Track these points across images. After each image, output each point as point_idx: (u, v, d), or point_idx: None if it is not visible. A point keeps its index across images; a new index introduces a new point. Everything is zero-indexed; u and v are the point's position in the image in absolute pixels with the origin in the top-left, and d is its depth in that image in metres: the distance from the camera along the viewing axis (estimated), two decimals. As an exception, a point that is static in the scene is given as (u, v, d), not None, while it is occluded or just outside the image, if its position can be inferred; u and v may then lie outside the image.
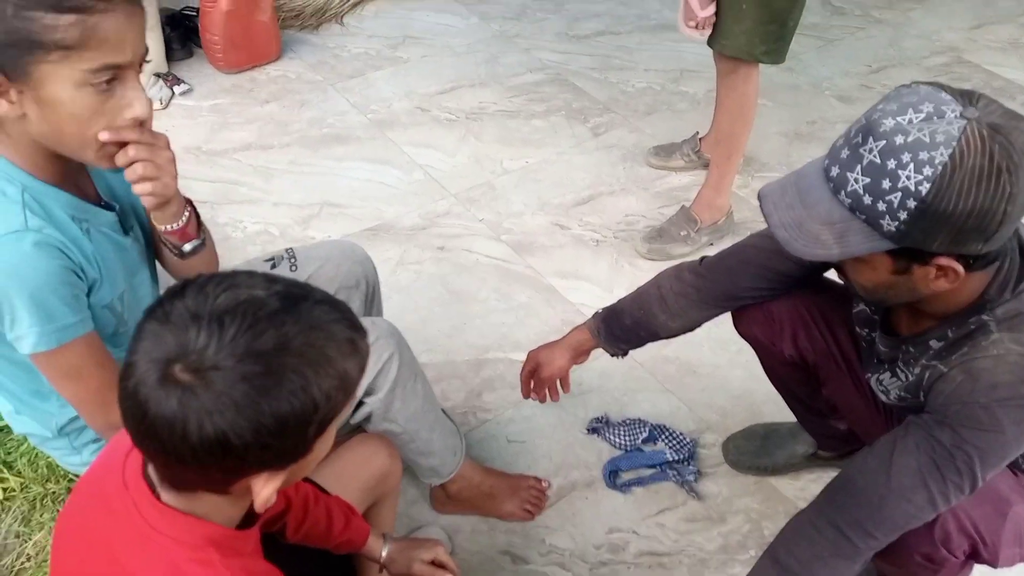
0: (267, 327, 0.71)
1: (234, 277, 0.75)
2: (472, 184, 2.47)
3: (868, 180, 0.92)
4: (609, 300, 2.10)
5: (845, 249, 0.97)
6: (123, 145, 1.03)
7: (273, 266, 1.47)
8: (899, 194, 0.90)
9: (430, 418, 1.49)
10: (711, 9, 1.87)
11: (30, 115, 0.98)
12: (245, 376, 0.69)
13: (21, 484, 1.63)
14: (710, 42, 1.97)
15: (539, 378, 1.55)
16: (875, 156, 0.91)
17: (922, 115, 0.90)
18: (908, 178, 0.89)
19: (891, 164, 0.90)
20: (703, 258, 1.43)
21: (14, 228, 0.99)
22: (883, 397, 1.22)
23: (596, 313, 1.53)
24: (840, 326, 1.37)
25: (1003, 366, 1.00)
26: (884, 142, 0.90)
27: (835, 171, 0.96)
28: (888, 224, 0.92)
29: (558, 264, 2.22)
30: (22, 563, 1.53)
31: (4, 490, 1.63)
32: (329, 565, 1.25)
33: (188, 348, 0.70)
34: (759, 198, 1.05)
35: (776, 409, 1.83)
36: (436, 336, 2.00)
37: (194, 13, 2.87)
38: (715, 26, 1.92)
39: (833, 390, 1.45)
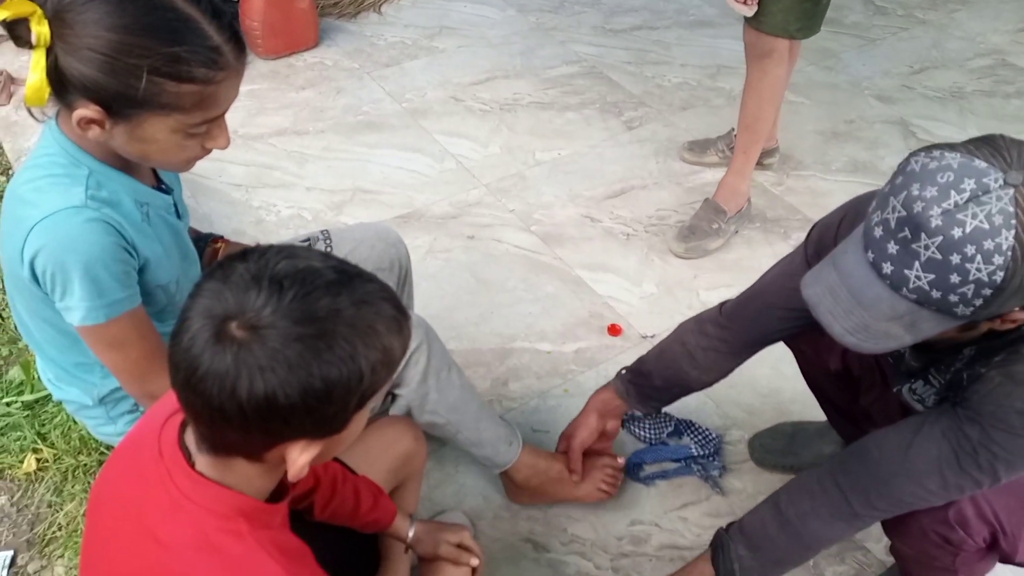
0: (322, 295, 0.73)
1: (293, 248, 0.78)
2: (503, 174, 2.47)
3: (933, 276, 0.87)
4: (637, 294, 2.11)
5: (918, 336, 0.94)
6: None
7: (309, 246, 1.48)
8: (972, 286, 0.86)
9: (472, 408, 1.49)
10: None
11: (117, 139, 1.02)
12: (299, 337, 0.71)
13: (54, 455, 1.67)
14: (749, 20, 2.00)
15: (573, 448, 1.55)
16: (934, 252, 0.86)
17: (966, 195, 0.85)
18: (979, 270, 0.84)
19: (955, 259, 0.85)
20: (722, 305, 1.41)
21: (73, 204, 1.02)
22: (918, 406, 1.20)
23: (620, 373, 1.52)
24: None
25: None
26: (941, 238, 0.85)
27: (887, 268, 0.90)
28: (963, 311, 0.89)
29: (587, 256, 2.21)
30: (53, 532, 1.56)
31: (38, 460, 1.66)
32: (355, 543, 1.26)
33: (246, 307, 0.71)
34: (809, 306, 1.00)
35: (803, 408, 1.82)
36: (463, 324, 2.01)
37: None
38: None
39: (872, 401, 1.42)
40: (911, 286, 0.89)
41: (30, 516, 1.59)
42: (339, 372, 0.73)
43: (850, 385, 1.44)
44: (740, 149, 2.22)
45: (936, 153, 0.89)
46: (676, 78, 2.93)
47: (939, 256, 0.86)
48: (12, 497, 1.62)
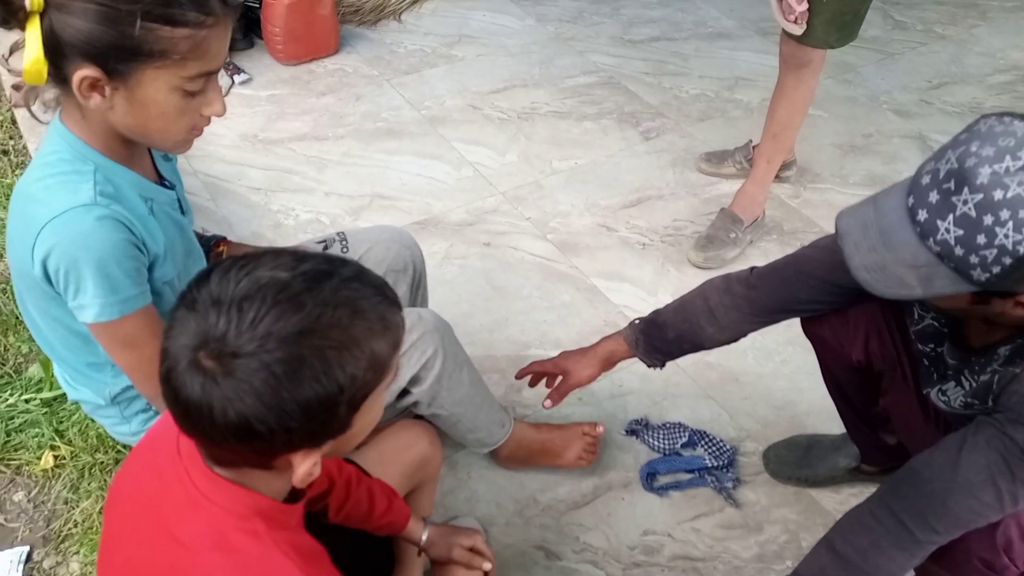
0: (288, 310, 0.71)
1: (259, 260, 0.75)
2: (520, 183, 2.48)
3: (961, 232, 0.89)
4: (652, 304, 2.10)
5: (929, 291, 0.95)
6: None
7: (326, 248, 1.50)
8: (994, 251, 0.87)
9: (477, 400, 1.53)
10: (805, 4, 1.92)
11: (117, 109, 1.03)
12: (265, 363, 0.69)
13: (71, 453, 1.68)
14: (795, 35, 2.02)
15: (565, 384, 1.55)
16: (970, 209, 0.87)
17: (1020, 162, 0.86)
18: (1006, 236, 0.86)
19: (988, 220, 0.86)
20: (753, 268, 1.41)
21: (83, 202, 1.03)
22: (944, 407, 1.19)
23: (633, 323, 1.51)
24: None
25: None
26: (981, 195, 0.87)
27: (923, 215, 0.92)
28: (978, 275, 0.90)
29: (602, 265, 2.22)
30: (69, 529, 1.57)
31: (55, 457, 1.68)
32: (368, 546, 1.27)
33: (210, 335, 0.70)
34: (838, 234, 1.02)
35: (819, 422, 1.81)
36: (478, 330, 2.01)
37: (257, 5, 2.92)
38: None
39: (893, 401, 1.41)
40: (938, 237, 0.91)
41: (47, 512, 1.61)
42: (313, 391, 0.71)
43: (870, 383, 1.43)
44: (764, 158, 2.22)
45: (1007, 119, 0.90)
46: (694, 89, 2.94)
47: (973, 214, 0.87)
48: (29, 493, 1.64)
